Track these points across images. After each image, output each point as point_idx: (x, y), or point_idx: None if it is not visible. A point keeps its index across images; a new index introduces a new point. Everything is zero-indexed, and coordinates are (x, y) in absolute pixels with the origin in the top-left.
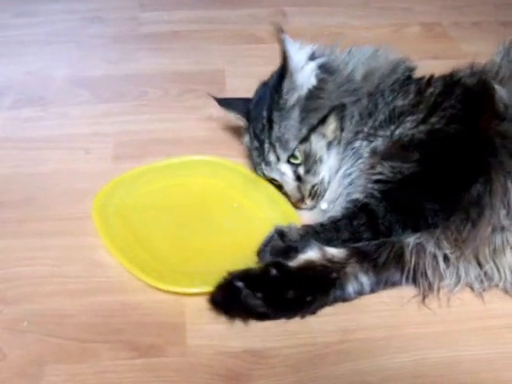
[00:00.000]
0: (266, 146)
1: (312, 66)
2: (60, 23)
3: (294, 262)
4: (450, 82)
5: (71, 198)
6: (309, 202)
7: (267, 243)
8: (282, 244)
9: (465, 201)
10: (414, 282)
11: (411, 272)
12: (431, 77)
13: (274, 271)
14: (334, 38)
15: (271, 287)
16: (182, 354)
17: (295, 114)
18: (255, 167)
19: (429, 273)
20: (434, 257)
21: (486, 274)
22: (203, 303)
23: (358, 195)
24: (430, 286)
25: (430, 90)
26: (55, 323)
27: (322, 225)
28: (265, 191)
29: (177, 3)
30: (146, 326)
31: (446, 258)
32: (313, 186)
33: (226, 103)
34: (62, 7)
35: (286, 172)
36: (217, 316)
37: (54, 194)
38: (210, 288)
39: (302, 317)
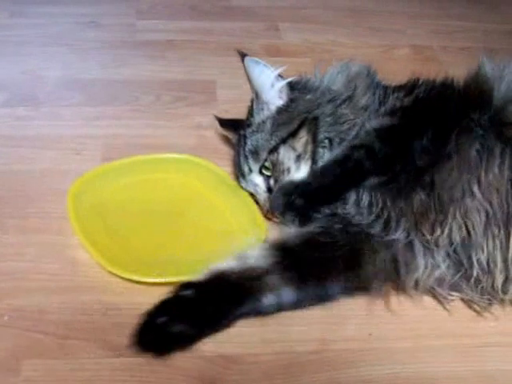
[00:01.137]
0: (241, 158)
1: (280, 84)
2: (56, 26)
3: (206, 275)
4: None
5: (57, 198)
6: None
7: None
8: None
9: (443, 153)
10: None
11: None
12: (415, 83)
13: (186, 292)
14: (325, 54)
15: (189, 309)
16: (159, 356)
17: (267, 127)
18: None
19: (401, 267)
20: (411, 245)
21: (455, 252)
22: None
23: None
24: (398, 285)
25: (420, 82)
26: (35, 319)
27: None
28: (238, 194)
29: (173, 13)
30: (125, 327)
31: (423, 244)
32: None
33: (225, 124)
34: (59, 10)
35: (258, 183)
36: None
37: (40, 193)
38: (167, 279)
39: (220, 330)
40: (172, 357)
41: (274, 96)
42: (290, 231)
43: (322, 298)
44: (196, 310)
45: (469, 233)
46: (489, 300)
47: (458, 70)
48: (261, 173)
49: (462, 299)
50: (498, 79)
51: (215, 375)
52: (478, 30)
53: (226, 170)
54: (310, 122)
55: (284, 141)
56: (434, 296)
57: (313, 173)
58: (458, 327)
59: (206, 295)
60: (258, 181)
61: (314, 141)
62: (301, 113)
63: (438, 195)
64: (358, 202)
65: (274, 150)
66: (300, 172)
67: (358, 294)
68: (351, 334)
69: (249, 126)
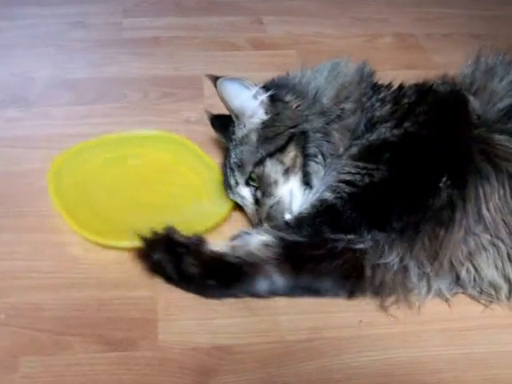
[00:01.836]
0: (228, 170)
1: (260, 100)
2: (44, 27)
3: (211, 250)
4: (423, 89)
5: (47, 197)
6: (266, 225)
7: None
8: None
9: (436, 205)
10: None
11: (371, 286)
12: (402, 85)
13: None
14: (310, 46)
15: (179, 259)
16: (154, 349)
17: (251, 140)
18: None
19: (396, 286)
20: (405, 269)
21: (458, 278)
22: (175, 301)
23: (327, 194)
24: (397, 298)
25: (405, 99)
26: (30, 316)
27: (286, 223)
28: (211, 168)
29: (159, 10)
30: (119, 321)
31: (419, 269)
32: (270, 207)
33: (217, 124)
34: (46, 11)
35: (245, 195)
36: (184, 312)
37: (32, 192)
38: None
39: (206, 297)
40: (167, 350)
41: (257, 109)
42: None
43: (316, 292)
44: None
45: (476, 269)
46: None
47: (442, 57)
48: (247, 184)
49: None
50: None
51: (211, 366)
52: (461, 16)
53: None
54: (299, 137)
55: (271, 155)
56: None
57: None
58: (446, 312)
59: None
60: (244, 193)
61: (304, 154)
62: (288, 127)
63: (434, 234)
64: None
65: (259, 163)
66: (289, 184)
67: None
68: (341, 321)
69: (232, 140)
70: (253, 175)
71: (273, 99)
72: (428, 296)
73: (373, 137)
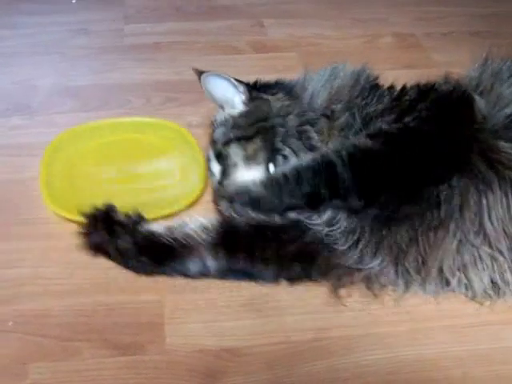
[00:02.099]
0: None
1: (239, 95)
2: (46, 35)
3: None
4: (425, 88)
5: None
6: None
7: (235, 196)
8: (247, 198)
9: (429, 201)
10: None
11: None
12: (404, 86)
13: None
14: (311, 48)
15: (116, 236)
16: (161, 352)
17: (228, 124)
18: None
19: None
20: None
21: (448, 285)
22: (181, 304)
23: (329, 152)
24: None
25: (406, 97)
26: (38, 323)
27: (284, 175)
28: (196, 158)
29: (159, 16)
30: (127, 326)
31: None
32: (227, 187)
33: None
34: (48, 19)
35: (214, 172)
36: (190, 315)
37: (36, 200)
38: None
39: (139, 273)
40: (175, 353)
41: (237, 102)
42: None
43: (253, 279)
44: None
45: (468, 280)
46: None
47: (442, 56)
48: (218, 162)
49: None
50: (490, 110)
51: (218, 368)
52: (460, 14)
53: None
54: (267, 132)
55: (238, 139)
56: None
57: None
58: (451, 309)
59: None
60: (214, 169)
61: (270, 149)
62: (259, 120)
63: (426, 239)
64: (332, 224)
65: (227, 143)
66: (250, 173)
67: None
68: (346, 321)
69: (214, 122)
70: (222, 152)
71: (252, 96)
72: (405, 294)
73: (370, 131)
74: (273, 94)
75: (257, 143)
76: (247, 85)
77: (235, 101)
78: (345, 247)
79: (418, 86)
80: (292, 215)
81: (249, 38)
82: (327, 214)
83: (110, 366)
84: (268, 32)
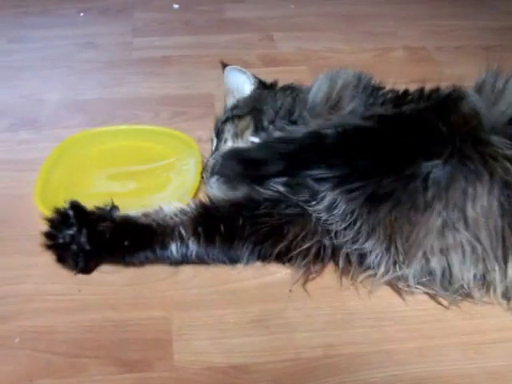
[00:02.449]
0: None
1: (250, 85)
2: (54, 49)
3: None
4: (428, 91)
5: None
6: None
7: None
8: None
9: (415, 181)
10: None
11: (284, 250)
12: (407, 89)
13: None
14: (321, 61)
15: (93, 224)
16: (170, 369)
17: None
18: None
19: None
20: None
21: (429, 272)
22: (189, 321)
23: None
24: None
25: (409, 96)
26: (45, 339)
27: (279, 138)
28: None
29: (168, 29)
30: (134, 342)
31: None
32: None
33: None
34: (55, 33)
35: (212, 148)
36: (198, 332)
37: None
38: None
39: (126, 264)
40: (183, 370)
41: (246, 88)
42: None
43: (229, 258)
44: (99, 230)
45: (449, 264)
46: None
47: (453, 70)
48: (217, 139)
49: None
50: (488, 107)
51: None
52: (472, 27)
53: None
54: (258, 112)
55: (233, 118)
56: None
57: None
58: (461, 325)
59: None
60: (213, 147)
61: (257, 127)
62: (255, 101)
63: (414, 219)
64: (331, 208)
65: (224, 121)
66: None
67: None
68: (357, 337)
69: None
70: (219, 128)
71: (259, 86)
72: (384, 278)
73: (365, 114)
74: (281, 89)
75: (247, 120)
76: (260, 81)
77: (245, 88)
78: (342, 227)
79: (421, 89)
80: (276, 188)
81: (258, 52)
82: (327, 200)
83: (118, 382)
84: (278, 45)
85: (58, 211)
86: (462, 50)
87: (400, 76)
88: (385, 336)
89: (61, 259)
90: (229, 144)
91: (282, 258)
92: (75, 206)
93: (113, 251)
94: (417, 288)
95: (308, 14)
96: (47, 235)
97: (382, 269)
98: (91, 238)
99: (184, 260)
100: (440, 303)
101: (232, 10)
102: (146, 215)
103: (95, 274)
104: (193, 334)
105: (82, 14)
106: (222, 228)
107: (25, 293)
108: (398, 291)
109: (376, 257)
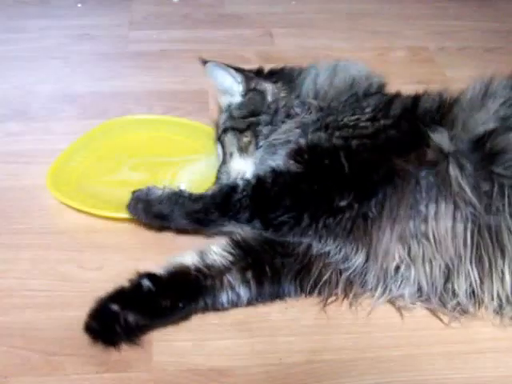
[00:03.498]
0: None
1: (238, 86)
2: (48, 39)
3: (167, 268)
4: (404, 105)
5: (46, 213)
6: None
7: (137, 199)
8: (146, 205)
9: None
10: (317, 293)
11: (317, 284)
12: (396, 95)
13: (146, 283)
14: (321, 59)
15: (146, 300)
16: (148, 370)
17: (229, 111)
18: None
19: (339, 282)
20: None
21: (400, 273)
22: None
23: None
24: (345, 294)
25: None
26: (23, 336)
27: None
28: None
29: (166, 23)
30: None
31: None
32: (223, 173)
33: None
34: (51, 24)
35: (219, 153)
36: (180, 333)
37: (30, 209)
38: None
39: (176, 322)
40: (162, 371)
41: (236, 92)
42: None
43: (277, 297)
44: (151, 303)
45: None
46: (460, 314)
47: (455, 72)
48: (221, 146)
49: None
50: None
51: None
52: (476, 29)
53: None
54: (256, 126)
55: (233, 129)
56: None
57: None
58: (449, 334)
59: (163, 290)
60: (218, 150)
61: (256, 143)
62: (250, 115)
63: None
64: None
65: (224, 131)
66: (244, 164)
67: (311, 296)
68: (341, 343)
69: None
70: (221, 138)
71: (249, 87)
72: (381, 299)
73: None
74: (273, 83)
75: (249, 136)
76: (248, 72)
77: (234, 89)
78: (331, 247)
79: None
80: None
81: (257, 48)
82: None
83: (95, 382)
84: (276, 42)
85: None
86: (465, 52)
87: (400, 77)
88: (370, 343)
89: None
90: (236, 159)
91: (313, 291)
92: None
93: (165, 316)
94: (415, 304)
95: (309, 10)
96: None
97: (379, 289)
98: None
99: (233, 307)
100: (440, 319)
101: (232, 5)
102: (192, 262)
103: (77, 271)
104: (174, 334)
105: (79, 5)
106: (268, 269)
107: (7, 288)
108: (398, 309)
109: (373, 277)
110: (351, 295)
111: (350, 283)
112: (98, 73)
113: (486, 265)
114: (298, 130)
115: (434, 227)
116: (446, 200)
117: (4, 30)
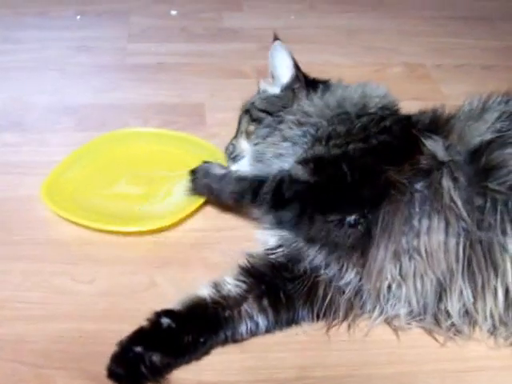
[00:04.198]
0: None
1: (285, 80)
2: (46, 50)
3: (184, 303)
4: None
5: (40, 224)
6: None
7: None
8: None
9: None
10: (322, 316)
11: (322, 307)
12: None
13: (166, 321)
14: (319, 75)
15: (168, 338)
16: None
17: (257, 96)
18: None
19: (341, 303)
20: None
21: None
22: None
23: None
24: (346, 316)
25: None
26: (13, 348)
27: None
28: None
29: (165, 36)
30: (104, 356)
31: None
32: (232, 145)
33: None
34: (49, 35)
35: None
36: None
37: (24, 220)
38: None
39: (199, 359)
40: None
41: (278, 84)
42: (254, 254)
43: (292, 322)
44: (173, 340)
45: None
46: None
47: (451, 89)
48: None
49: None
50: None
51: None
52: (473, 46)
53: None
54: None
55: (248, 112)
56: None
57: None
58: (442, 352)
59: (184, 325)
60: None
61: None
62: (271, 113)
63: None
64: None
65: (245, 111)
66: (246, 146)
67: (321, 319)
68: (332, 360)
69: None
70: (241, 115)
71: (291, 86)
72: (378, 320)
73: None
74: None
75: (253, 127)
76: (301, 74)
77: (280, 80)
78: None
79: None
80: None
81: (255, 62)
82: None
83: None
84: None
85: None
86: (462, 69)
87: (396, 93)
88: (362, 360)
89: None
90: (242, 139)
91: (320, 314)
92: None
93: (188, 353)
94: (410, 324)
95: (308, 25)
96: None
97: (377, 311)
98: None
99: (252, 336)
100: (435, 339)
101: (231, 19)
102: (208, 294)
103: (69, 283)
104: None
105: (78, 17)
106: (282, 296)
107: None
108: (395, 329)
109: (369, 297)
110: (351, 317)
111: (350, 305)
112: (95, 85)
113: (479, 282)
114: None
115: (426, 242)
116: (439, 214)
117: (2, 41)
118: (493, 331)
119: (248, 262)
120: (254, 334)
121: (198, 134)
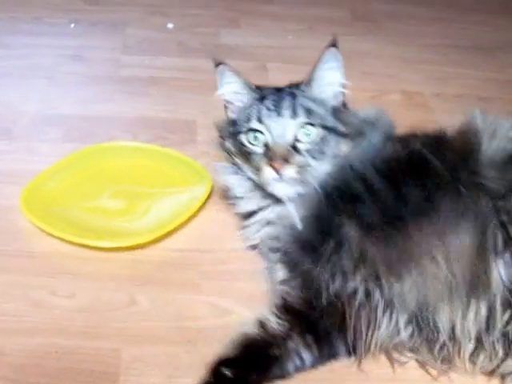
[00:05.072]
0: None
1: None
2: (38, 58)
3: (237, 346)
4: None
5: (21, 235)
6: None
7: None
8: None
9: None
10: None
11: (352, 338)
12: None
13: (227, 372)
14: None
15: None
16: None
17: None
18: None
19: (363, 326)
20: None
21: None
22: (138, 355)
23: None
24: (366, 343)
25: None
26: None
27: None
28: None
29: (160, 49)
30: (79, 373)
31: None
32: None
33: None
34: (42, 42)
35: None
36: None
37: (4, 230)
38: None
39: None
40: None
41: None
42: (283, 290)
43: (333, 357)
44: None
45: (425, 297)
46: (448, 367)
47: (447, 118)
48: None
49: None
50: (488, 135)
51: None
52: (474, 77)
53: None
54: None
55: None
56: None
57: None
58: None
59: (242, 371)
60: None
61: None
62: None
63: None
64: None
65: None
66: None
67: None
68: None
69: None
70: None
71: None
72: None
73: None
74: None
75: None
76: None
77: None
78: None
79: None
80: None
81: (251, 81)
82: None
83: None
84: (270, 76)
85: None
86: (460, 99)
87: (393, 120)
88: None
89: None
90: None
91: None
92: None
93: None
94: (408, 356)
95: (305, 46)
96: None
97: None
98: None
99: (298, 372)
100: (428, 372)
101: (228, 36)
102: (255, 334)
103: (48, 297)
104: (143, 369)
105: (72, 26)
106: (321, 331)
107: None
108: (391, 360)
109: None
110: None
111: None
112: (85, 95)
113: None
114: None
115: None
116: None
117: None
118: (473, 355)
119: (281, 299)
120: (299, 370)
121: (187, 152)
